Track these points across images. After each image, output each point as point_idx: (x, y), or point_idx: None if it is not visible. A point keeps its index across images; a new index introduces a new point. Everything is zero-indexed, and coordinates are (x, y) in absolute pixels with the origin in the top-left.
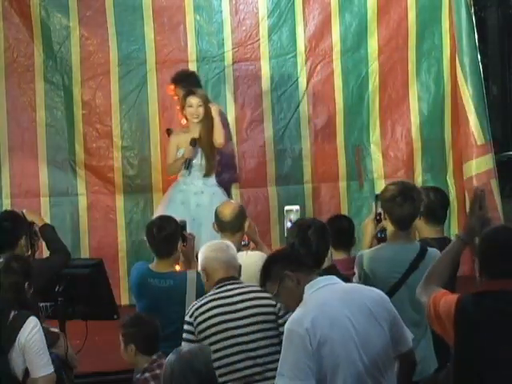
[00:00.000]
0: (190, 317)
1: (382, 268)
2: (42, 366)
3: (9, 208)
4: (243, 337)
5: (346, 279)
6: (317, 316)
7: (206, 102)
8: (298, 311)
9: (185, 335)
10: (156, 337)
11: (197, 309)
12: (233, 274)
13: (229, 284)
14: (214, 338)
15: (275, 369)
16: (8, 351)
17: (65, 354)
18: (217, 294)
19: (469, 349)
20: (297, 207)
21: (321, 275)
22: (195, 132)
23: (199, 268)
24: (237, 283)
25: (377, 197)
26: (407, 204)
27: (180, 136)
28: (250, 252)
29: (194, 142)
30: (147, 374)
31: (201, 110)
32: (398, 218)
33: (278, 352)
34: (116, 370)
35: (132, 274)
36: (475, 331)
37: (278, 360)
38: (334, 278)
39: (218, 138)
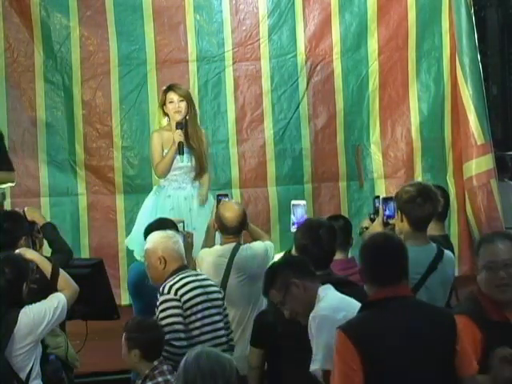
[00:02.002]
0: (175, 295)
1: None
2: (60, 311)
3: (9, 208)
4: (215, 316)
5: (344, 279)
6: (353, 304)
7: (188, 98)
8: (330, 300)
9: (174, 311)
10: (160, 343)
11: (179, 288)
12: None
13: (189, 271)
14: (199, 315)
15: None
16: (4, 349)
17: (65, 354)
18: (188, 276)
19: (380, 369)
20: (303, 202)
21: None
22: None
23: (159, 254)
24: (192, 270)
25: (386, 199)
26: (427, 205)
27: (163, 134)
28: (250, 245)
29: (180, 125)
30: (149, 383)
31: (183, 105)
32: (417, 219)
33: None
34: (116, 370)
35: (129, 273)
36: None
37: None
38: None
39: None
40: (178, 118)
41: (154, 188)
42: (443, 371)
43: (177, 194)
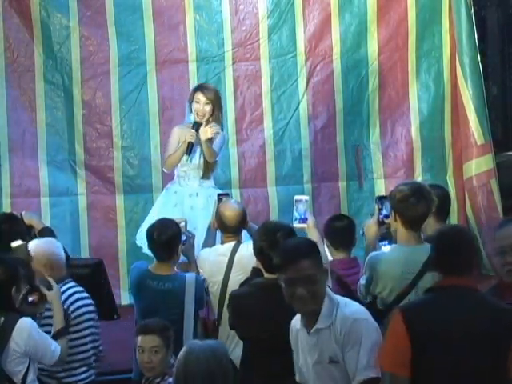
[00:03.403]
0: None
1: (395, 270)
2: (51, 354)
3: (9, 208)
4: (92, 328)
5: (343, 279)
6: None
7: (215, 103)
8: (353, 303)
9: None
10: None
11: (65, 300)
12: None
13: (70, 281)
14: (86, 324)
15: None
16: (0, 355)
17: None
18: (71, 288)
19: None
20: (306, 197)
21: None
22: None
23: (43, 261)
24: (72, 281)
25: (381, 198)
26: (421, 204)
27: (183, 130)
28: (249, 243)
29: (196, 126)
30: (170, 379)
31: (207, 109)
32: (411, 219)
33: None
34: (116, 370)
35: (131, 273)
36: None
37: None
38: None
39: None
40: (201, 120)
41: (168, 184)
42: (494, 366)
43: (183, 190)
